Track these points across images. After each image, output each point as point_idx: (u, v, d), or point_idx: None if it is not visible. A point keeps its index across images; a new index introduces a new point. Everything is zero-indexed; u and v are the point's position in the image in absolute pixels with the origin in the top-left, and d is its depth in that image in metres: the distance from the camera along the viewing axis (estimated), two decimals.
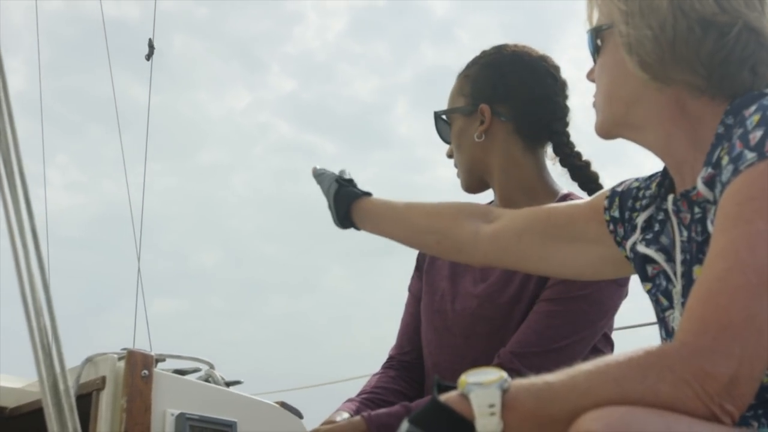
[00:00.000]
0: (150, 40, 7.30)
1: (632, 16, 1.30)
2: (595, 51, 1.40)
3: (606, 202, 1.52)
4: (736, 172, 1.13)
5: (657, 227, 1.38)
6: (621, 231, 1.49)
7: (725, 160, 1.17)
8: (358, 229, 1.88)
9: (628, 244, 1.44)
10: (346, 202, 1.86)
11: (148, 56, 7.35)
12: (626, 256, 1.47)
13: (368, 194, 1.87)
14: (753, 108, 1.17)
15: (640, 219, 1.43)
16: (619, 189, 1.52)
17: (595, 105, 1.43)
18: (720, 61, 1.26)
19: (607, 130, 1.41)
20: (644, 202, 1.44)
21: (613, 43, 1.35)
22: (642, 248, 1.39)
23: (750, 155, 1.12)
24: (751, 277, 1.04)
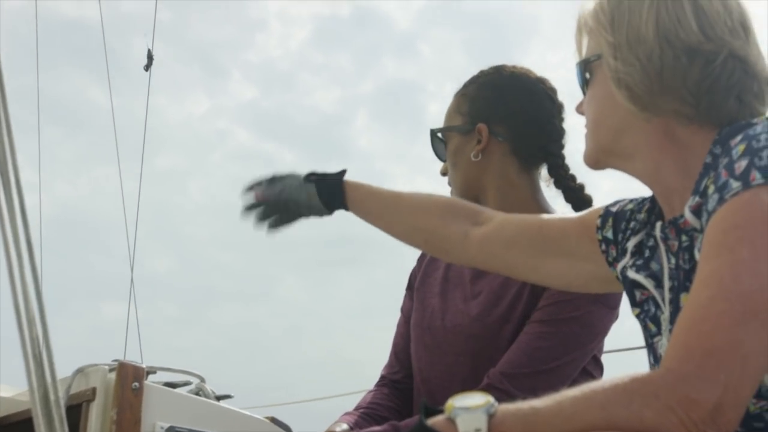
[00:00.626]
0: (149, 50, 7.31)
1: (620, 49, 1.31)
2: (584, 83, 1.41)
3: (599, 221, 1.52)
4: (721, 201, 1.14)
5: (647, 253, 1.39)
6: (613, 252, 1.49)
7: (711, 189, 1.18)
8: (347, 209, 1.80)
9: (619, 267, 1.45)
10: (336, 189, 1.79)
11: (147, 67, 7.36)
12: (616, 277, 1.48)
13: (343, 173, 1.80)
14: (739, 138, 1.19)
15: (630, 244, 1.43)
16: (613, 210, 1.52)
17: (585, 136, 1.43)
18: (707, 89, 1.27)
19: (595, 160, 1.42)
20: (635, 226, 1.45)
21: (602, 74, 1.36)
22: (632, 274, 1.39)
23: (735, 184, 1.13)
24: (735, 304, 1.05)
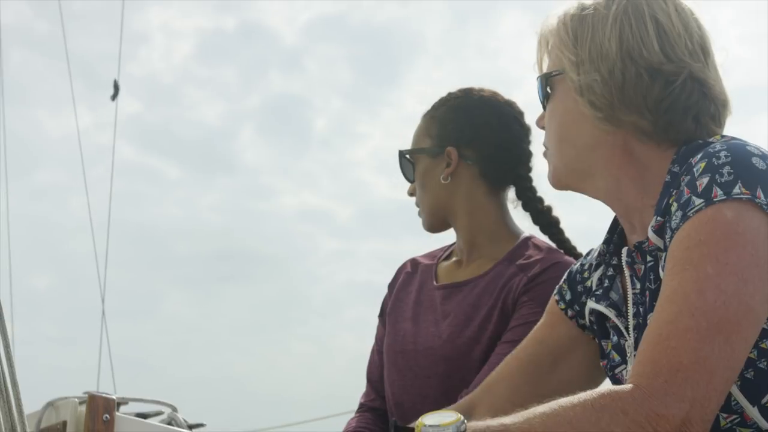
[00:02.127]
0: (115, 81, 7.29)
1: (582, 64, 1.33)
2: (545, 97, 1.42)
3: (557, 297, 1.53)
4: (684, 217, 1.16)
5: (606, 283, 1.40)
6: (578, 308, 1.50)
7: (674, 206, 1.20)
8: None
9: (586, 308, 1.46)
10: None
11: (113, 97, 7.33)
12: (585, 325, 1.48)
13: None
14: (699, 156, 1.21)
15: (594, 279, 1.45)
16: (562, 281, 1.54)
17: (545, 154, 1.44)
18: (666, 108, 1.30)
19: (559, 179, 1.43)
20: (594, 263, 1.46)
21: (564, 88, 1.37)
22: (592, 304, 1.41)
23: (698, 201, 1.16)
24: (701, 320, 1.07)
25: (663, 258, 1.23)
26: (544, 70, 1.42)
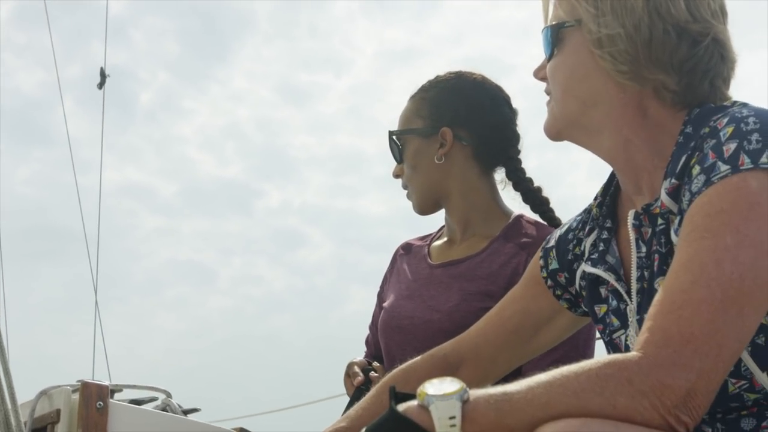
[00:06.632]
0: (102, 68, 7.26)
1: (603, 16, 1.29)
2: (552, 48, 1.36)
3: (541, 262, 1.52)
4: (708, 182, 1.13)
5: (601, 246, 1.38)
6: (562, 279, 1.48)
7: (696, 169, 1.17)
8: None
9: (578, 273, 1.44)
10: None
11: (100, 85, 7.31)
12: (576, 291, 1.47)
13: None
14: (725, 120, 1.17)
15: (587, 243, 1.42)
16: (549, 245, 1.52)
17: (548, 104, 1.39)
18: (689, 69, 1.27)
19: (558, 130, 1.37)
20: (591, 227, 1.43)
21: (577, 40, 1.32)
22: (588, 268, 1.38)
23: (723, 167, 1.12)
24: (716, 291, 1.05)
25: (676, 222, 1.20)
26: (550, 20, 1.37)
